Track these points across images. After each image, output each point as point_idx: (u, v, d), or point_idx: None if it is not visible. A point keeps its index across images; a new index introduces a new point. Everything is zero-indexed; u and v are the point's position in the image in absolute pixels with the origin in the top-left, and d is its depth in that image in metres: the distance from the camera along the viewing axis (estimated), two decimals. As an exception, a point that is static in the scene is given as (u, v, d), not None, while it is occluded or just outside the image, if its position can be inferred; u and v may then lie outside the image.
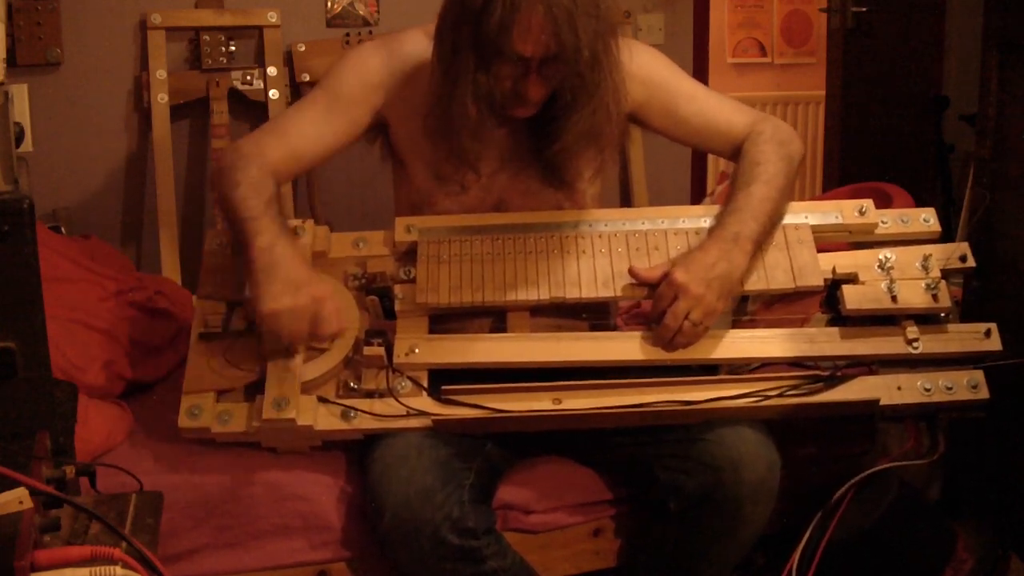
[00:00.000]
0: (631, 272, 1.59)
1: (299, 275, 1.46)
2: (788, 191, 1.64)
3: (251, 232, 1.48)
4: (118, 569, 0.98)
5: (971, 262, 1.68)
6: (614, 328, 1.73)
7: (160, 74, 2.54)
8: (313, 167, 1.71)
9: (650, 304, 1.85)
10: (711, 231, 1.59)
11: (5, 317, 1.17)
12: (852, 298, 1.59)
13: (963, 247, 1.69)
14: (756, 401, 1.52)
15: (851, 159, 3.28)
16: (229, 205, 1.53)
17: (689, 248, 1.59)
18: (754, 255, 1.57)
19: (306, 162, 1.67)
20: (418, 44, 1.66)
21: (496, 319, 1.63)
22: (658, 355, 1.56)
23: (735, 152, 1.70)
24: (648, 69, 1.67)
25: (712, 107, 1.71)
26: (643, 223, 1.66)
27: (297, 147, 1.63)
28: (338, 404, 1.51)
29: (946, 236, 1.77)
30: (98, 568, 0.98)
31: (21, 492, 1.01)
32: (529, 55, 1.46)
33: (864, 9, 3.15)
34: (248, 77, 2.63)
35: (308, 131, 1.64)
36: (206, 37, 2.59)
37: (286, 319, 1.44)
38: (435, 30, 1.55)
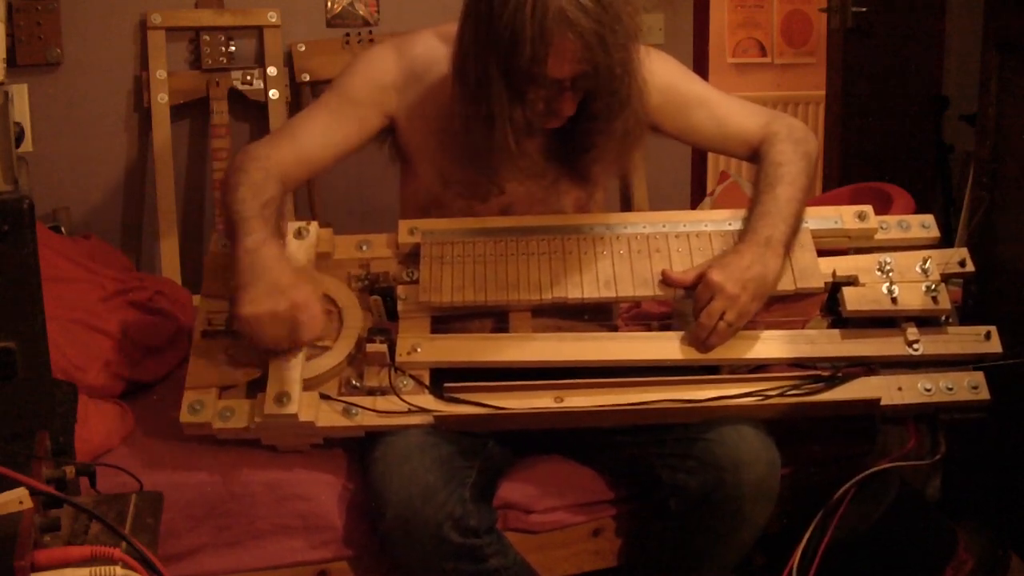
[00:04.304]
0: (663, 276, 1.60)
1: (281, 279, 1.44)
2: (809, 189, 1.66)
3: (241, 232, 1.48)
4: (118, 569, 0.98)
5: (970, 267, 1.68)
6: (615, 329, 1.73)
7: (160, 74, 2.54)
8: (324, 170, 1.71)
9: (651, 305, 1.85)
10: (742, 235, 1.60)
11: (5, 317, 1.16)
12: (852, 299, 1.59)
13: (962, 252, 1.69)
14: (757, 400, 1.52)
15: (851, 159, 3.28)
16: (227, 204, 1.53)
17: (722, 251, 1.61)
18: (785, 256, 1.58)
19: (316, 165, 1.67)
20: (429, 46, 1.67)
21: (498, 320, 1.63)
22: (660, 355, 1.57)
23: (751, 154, 1.71)
24: (661, 75, 1.67)
25: (725, 111, 1.72)
26: (645, 227, 1.67)
27: (307, 150, 1.63)
28: (340, 401, 1.52)
29: (946, 236, 1.77)
30: (98, 568, 0.98)
31: (21, 492, 1.01)
32: (564, 77, 1.47)
33: (864, 9, 3.15)
34: (248, 77, 2.63)
35: (318, 135, 1.64)
36: (206, 37, 2.59)
37: (265, 323, 1.43)
38: (453, 61, 1.54)
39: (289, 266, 1.49)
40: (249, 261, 1.45)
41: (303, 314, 1.44)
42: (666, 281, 1.60)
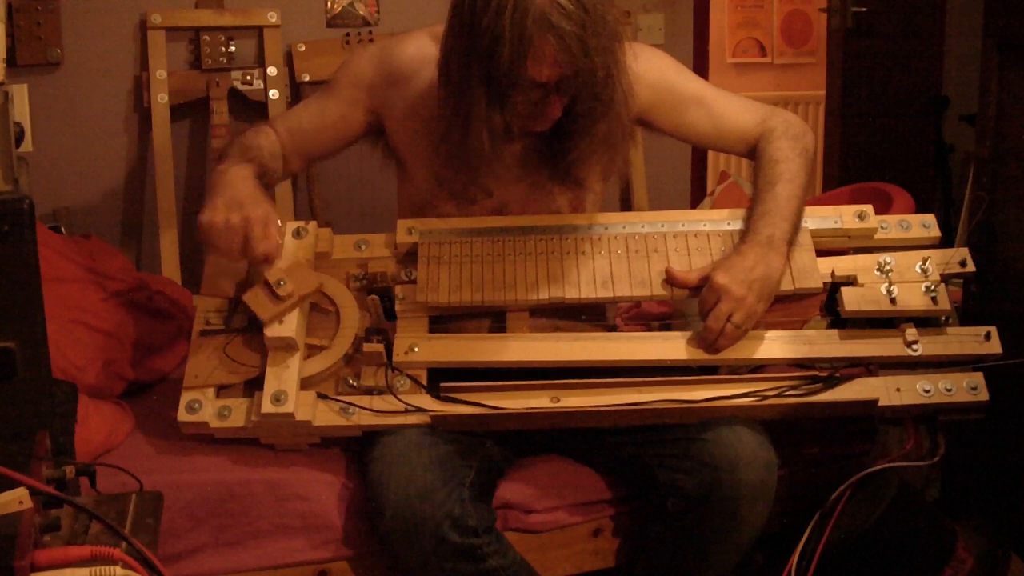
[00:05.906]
0: (667, 273, 1.60)
1: (241, 194, 1.51)
2: (808, 186, 1.66)
3: (218, 165, 1.58)
4: (118, 569, 0.98)
5: (970, 267, 1.68)
6: (611, 329, 1.74)
7: (160, 74, 2.54)
8: (315, 150, 1.76)
9: (651, 305, 1.85)
10: (744, 235, 1.60)
11: (5, 317, 1.16)
12: (851, 300, 1.59)
13: (963, 252, 1.69)
14: (755, 401, 1.52)
15: (851, 159, 3.29)
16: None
17: (724, 253, 1.61)
18: (788, 255, 1.58)
19: (307, 140, 1.73)
20: (420, 45, 1.67)
21: (495, 319, 1.63)
22: (658, 355, 1.57)
23: (749, 150, 1.71)
24: (654, 73, 1.67)
25: (720, 108, 1.71)
26: (643, 226, 1.67)
27: (299, 123, 1.73)
28: (337, 400, 1.52)
29: (946, 236, 1.77)
30: (98, 568, 0.98)
31: (21, 492, 1.01)
32: (545, 80, 1.47)
33: (864, 9, 3.15)
34: (248, 77, 2.63)
35: (310, 113, 1.73)
36: (206, 37, 2.59)
37: (219, 232, 1.48)
38: (439, 63, 1.55)
39: (253, 186, 1.55)
40: (217, 178, 1.55)
41: (255, 228, 1.49)
42: (670, 280, 1.60)
